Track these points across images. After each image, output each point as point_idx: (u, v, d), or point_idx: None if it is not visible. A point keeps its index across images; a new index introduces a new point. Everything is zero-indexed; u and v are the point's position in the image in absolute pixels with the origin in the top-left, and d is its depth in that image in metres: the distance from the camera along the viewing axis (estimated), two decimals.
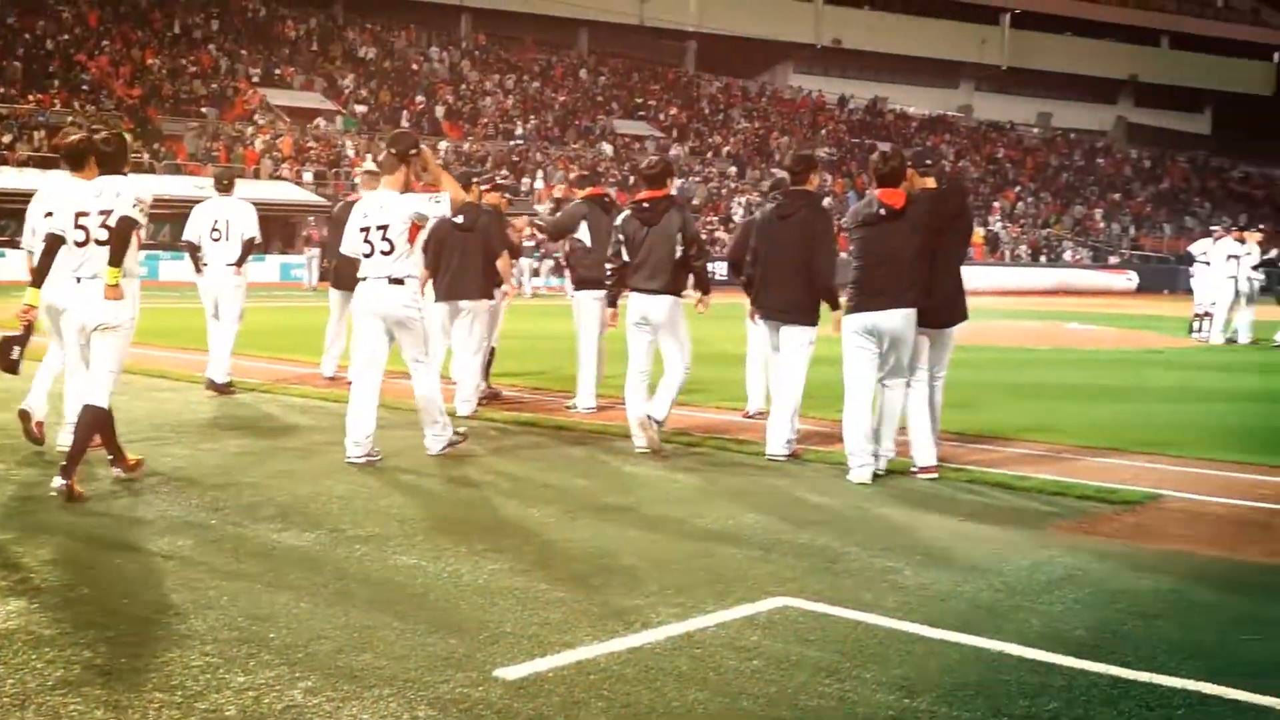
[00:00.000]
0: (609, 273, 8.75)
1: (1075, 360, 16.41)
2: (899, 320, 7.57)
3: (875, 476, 7.61)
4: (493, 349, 10.90)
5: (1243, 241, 19.75)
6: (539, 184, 42.95)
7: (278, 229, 36.21)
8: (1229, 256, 19.54)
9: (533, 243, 31.55)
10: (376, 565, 5.34)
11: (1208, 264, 20.34)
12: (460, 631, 4.43)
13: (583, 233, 10.08)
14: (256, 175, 37.67)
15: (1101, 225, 56.43)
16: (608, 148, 48.63)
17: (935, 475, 7.64)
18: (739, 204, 46.00)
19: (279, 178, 38.39)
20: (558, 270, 32.99)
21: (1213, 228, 21.89)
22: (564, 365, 12.09)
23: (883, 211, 7.64)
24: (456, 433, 8.24)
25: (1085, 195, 60.18)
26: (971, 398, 11.27)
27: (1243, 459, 8.62)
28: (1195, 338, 20.55)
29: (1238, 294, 19.62)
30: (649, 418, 8.35)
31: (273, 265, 35.33)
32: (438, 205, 7.66)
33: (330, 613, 4.63)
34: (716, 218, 43.16)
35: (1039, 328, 21.48)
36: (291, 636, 4.33)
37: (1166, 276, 49.63)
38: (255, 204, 11.60)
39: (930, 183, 7.84)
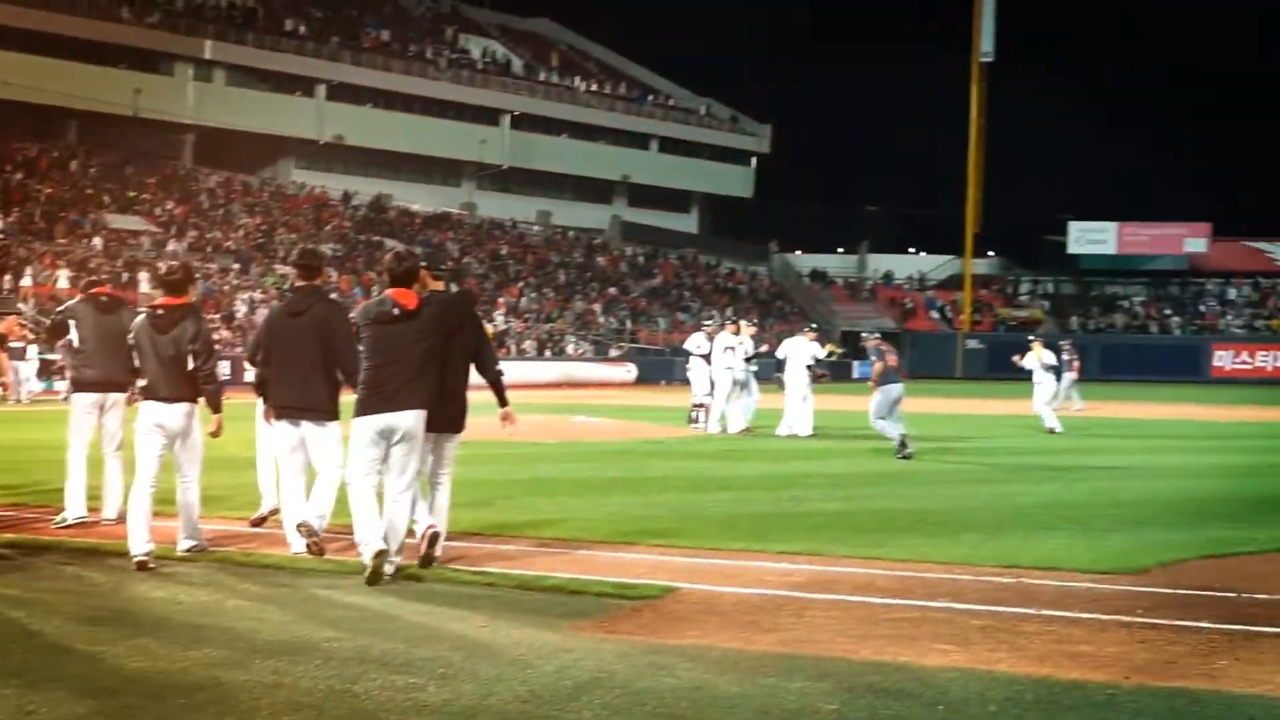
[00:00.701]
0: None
1: (584, 453, 16.84)
2: (410, 421, 7.62)
3: (391, 576, 7.58)
4: None
5: (737, 334, 21.11)
6: (25, 281, 39.71)
7: None
8: (725, 348, 20.83)
9: (21, 344, 28.73)
10: None
11: (703, 356, 21.62)
12: None
13: (73, 333, 9.71)
14: None
15: (601, 320, 59.45)
16: (98, 242, 45.61)
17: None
18: (243, 301, 44.33)
19: None
20: (46, 372, 31.09)
21: (705, 322, 23.47)
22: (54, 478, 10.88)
23: (396, 311, 7.73)
24: None
25: (585, 290, 63.25)
26: (485, 495, 11.42)
27: (748, 546, 9.05)
28: (693, 428, 21.74)
29: (734, 384, 20.92)
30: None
31: None
32: None
33: None
34: (219, 315, 41.29)
35: (547, 421, 21.95)
36: None
37: (663, 368, 52.84)
38: None
39: (440, 285, 8.04)
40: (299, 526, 7.96)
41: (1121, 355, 62.12)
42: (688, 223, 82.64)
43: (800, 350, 20.82)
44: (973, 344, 66.38)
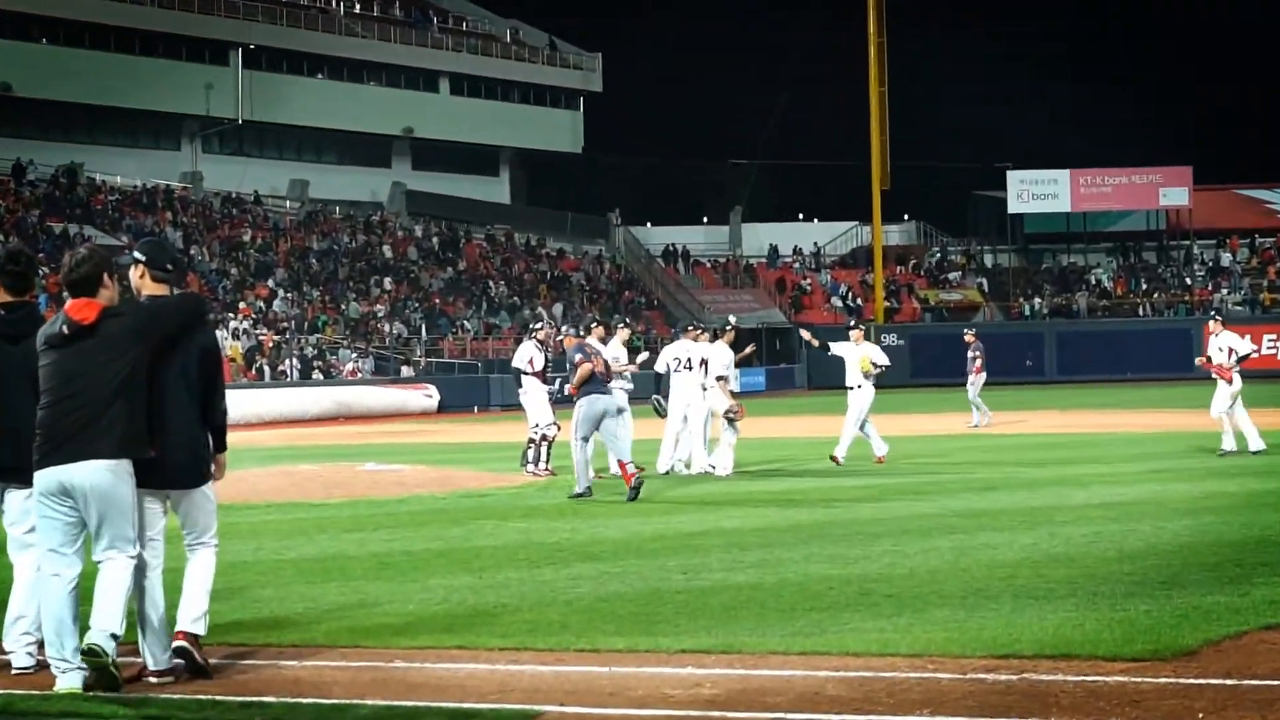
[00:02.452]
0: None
1: (383, 516, 16.63)
2: (90, 476, 7.76)
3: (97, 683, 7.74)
4: None
5: (698, 339, 22.07)
6: None
7: None
8: (689, 363, 21.52)
9: None
10: None
11: (538, 375, 21.92)
12: None
13: None
14: None
15: (386, 327, 58.75)
16: None
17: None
18: None
19: None
20: None
21: (534, 326, 23.42)
22: None
23: (66, 329, 7.82)
24: None
25: (362, 287, 62.49)
26: (244, 581, 11.40)
27: (634, 643, 8.87)
28: (528, 471, 21.57)
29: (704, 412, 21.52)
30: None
31: None
32: None
33: None
34: None
35: (324, 472, 21.50)
36: None
37: (474, 389, 52.58)
38: None
39: (162, 289, 8.21)
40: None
41: (1086, 348, 63.74)
42: (496, 190, 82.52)
43: (717, 358, 21.63)
44: (889, 341, 67.47)
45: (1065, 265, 78.11)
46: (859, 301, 73.73)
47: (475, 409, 50.82)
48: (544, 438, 21.84)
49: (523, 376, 22.25)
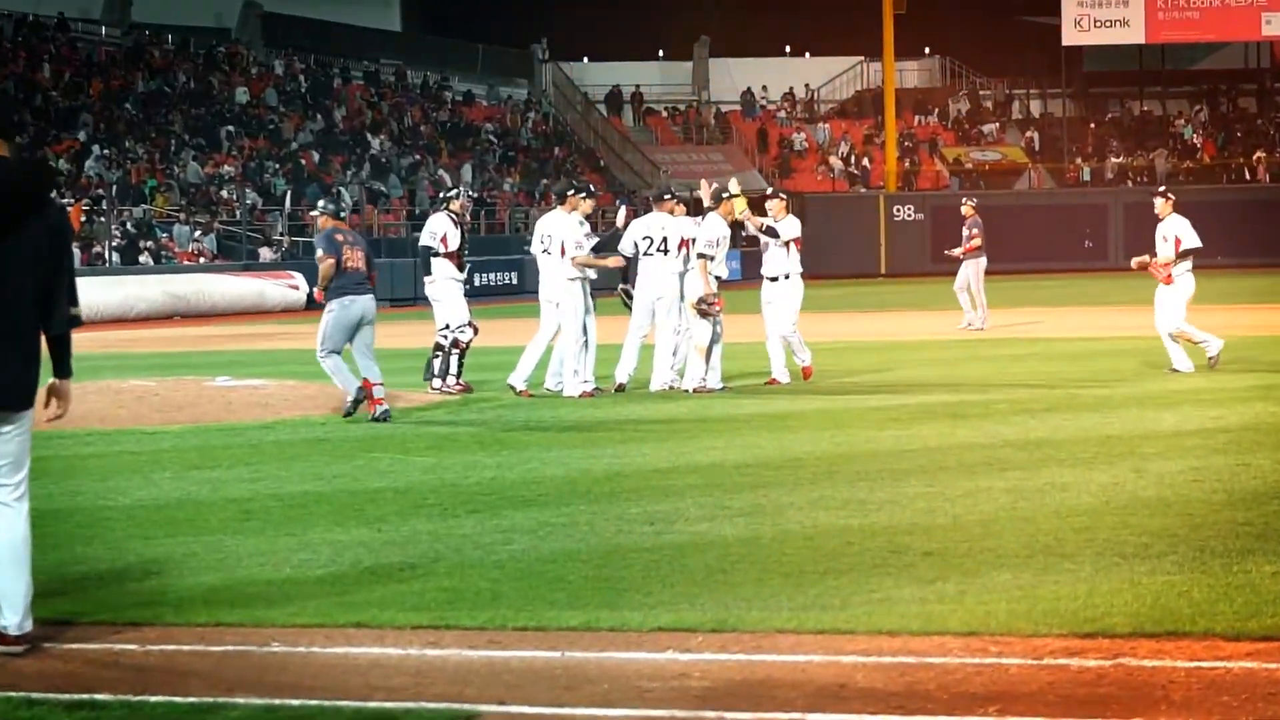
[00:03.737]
0: None
1: (243, 448, 16.77)
2: None
3: None
4: None
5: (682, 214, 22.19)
6: None
7: None
8: (662, 243, 21.62)
9: None
10: None
11: (451, 256, 21.85)
12: None
13: None
14: None
15: (234, 197, 58.35)
16: None
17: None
18: None
19: None
20: None
21: (447, 194, 23.26)
22: None
23: None
24: None
25: (204, 141, 62.03)
26: (63, 533, 11.52)
27: (593, 618, 8.88)
28: (434, 388, 21.74)
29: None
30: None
31: None
32: None
33: None
34: None
35: (162, 389, 21.46)
36: None
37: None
38: None
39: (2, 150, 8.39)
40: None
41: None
42: (383, 14, 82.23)
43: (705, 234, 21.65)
44: (905, 213, 67.87)
45: (1137, 115, 78.39)
46: (866, 163, 73.83)
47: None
48: (455, 343, 21.81)
49: (432, 260, 22.16)
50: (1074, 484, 12.93)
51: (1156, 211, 23.59)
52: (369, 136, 68.22)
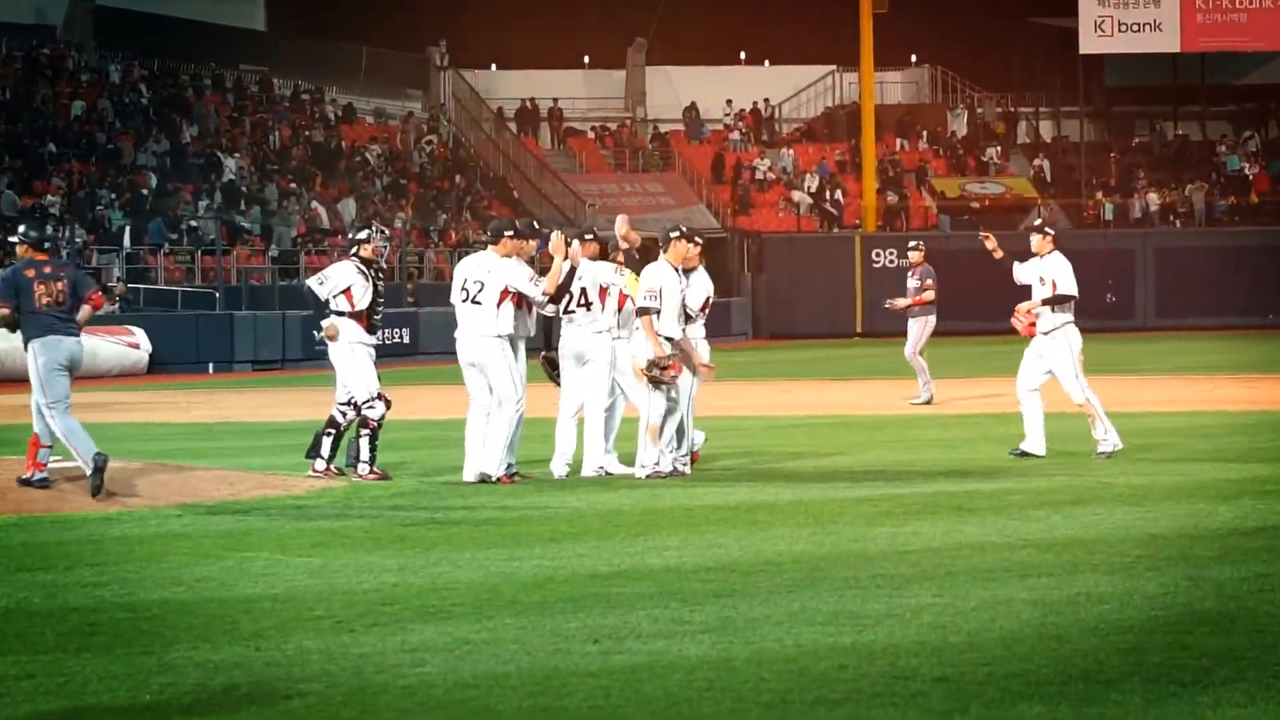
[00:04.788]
0: None
1: (72, 544, 16.71)
2: None
3: None
4: None
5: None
6: None
7: None
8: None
9: None
10: None
11: (353, 315, 21.63)
12: None
13: None
14: None
15: (63, 231, 58.11)
16: None
17: None
18: None
19: None
20: None
21: (363, 233, 22.92)
22: None
23: None
24: None
25: (23, 164, 61.83)
26: None
27: None
28: (319, 470, 21.55)
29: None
30: None
31: None
32: None
33: None
34: None
35: None
36: None
37: (213, 335, 52.48)
38: None
39: None
40: None
41: (1202, 274, 64.24)
42: (243, 10, 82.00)
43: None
44: (886, 259, 68.10)
45: (1170, 140, 78.90)
46: (839, 196, 74.11)
47: (211, 367, 50.74)
48: (364, 422, 21.65)
49: (335, 317, 21.78)
50: (1114, 594, 12.94)
51: (1034, 249, 23.76)
52: (225, 159, 68.09)
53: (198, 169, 66.82)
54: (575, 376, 21.59)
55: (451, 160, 75.97)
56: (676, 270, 21.70)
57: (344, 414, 21.77)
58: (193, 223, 62.35)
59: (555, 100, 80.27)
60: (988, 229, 68.38)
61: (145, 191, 63.13)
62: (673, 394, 21.18)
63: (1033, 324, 22.82)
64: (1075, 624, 11.82)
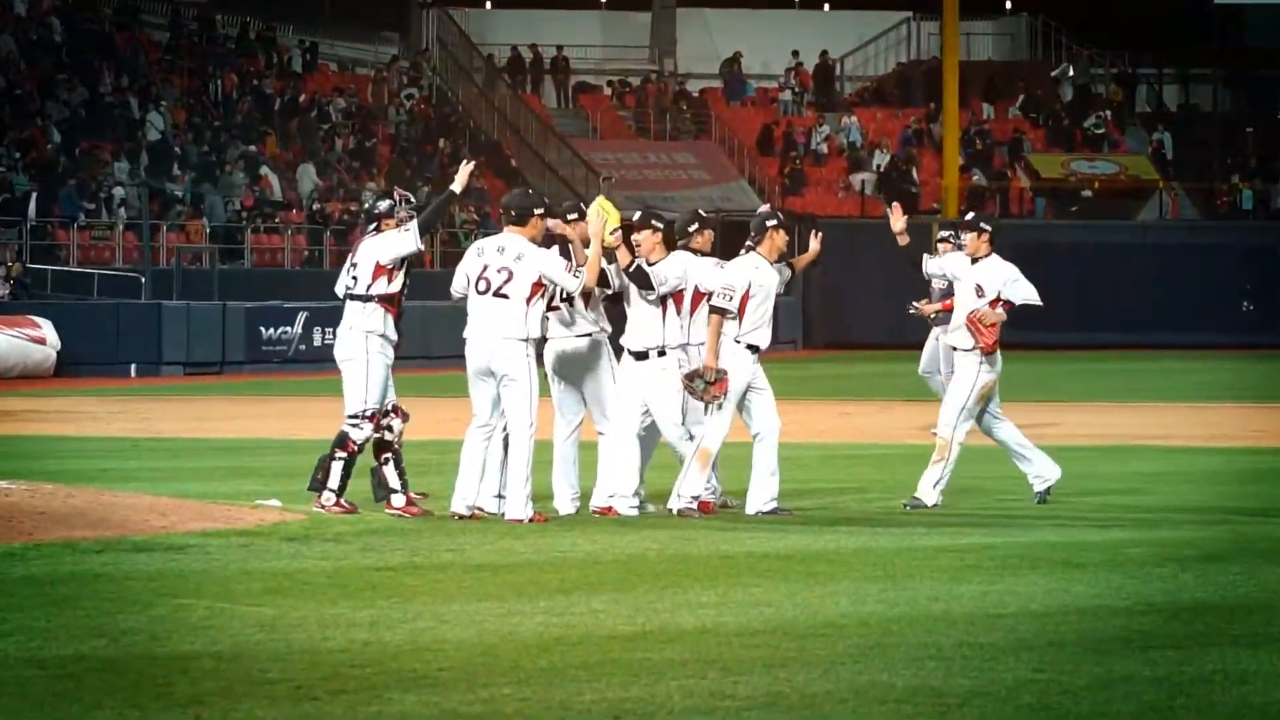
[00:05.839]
0: None
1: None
2: None
3: None
4: None
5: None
6: None
7: None
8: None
9: None
10: None
11: (384, 298, 21.74)
12: None
13: None
14: None
15: None
16: None
17: None
18: None
19: None
20: None
21: (383, 202, 23.00)
22: None
23: None
24: None
25: None
26: None
27: None
28: (323, 504, 21.70)
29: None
30: None
31: None
32: None
33: None
34: None
35: None
36: None
37: (137, 330, 52.45)
38: None
39: None
40: None
41: None
42: None
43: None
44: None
45: None
46: (913, 173, 74.19)
47: (134, 369, 50.95)
48: (384, 444, 21.75)
49: (351, 305, 21.92)
50: (1258, 673, 12.90)
51: (967, 249, 23.25)
52: (153, 113, 68.23)
53: (121, 125, 66.96)
54: (569, 390, 21.81)
55: (434, 119, 76.07)
56: (771, 265, 21.80)
57: (357, 425, 21.69)
58: (114, 190, 62.50)
59: (561, 48, 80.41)
60: (1097, 215, 69.06)
61: (54, 150, 63.31)
62: (718, 409, 21.30)
63: (996, 339, 22.45)
64: (1209, 709, 11.85)
